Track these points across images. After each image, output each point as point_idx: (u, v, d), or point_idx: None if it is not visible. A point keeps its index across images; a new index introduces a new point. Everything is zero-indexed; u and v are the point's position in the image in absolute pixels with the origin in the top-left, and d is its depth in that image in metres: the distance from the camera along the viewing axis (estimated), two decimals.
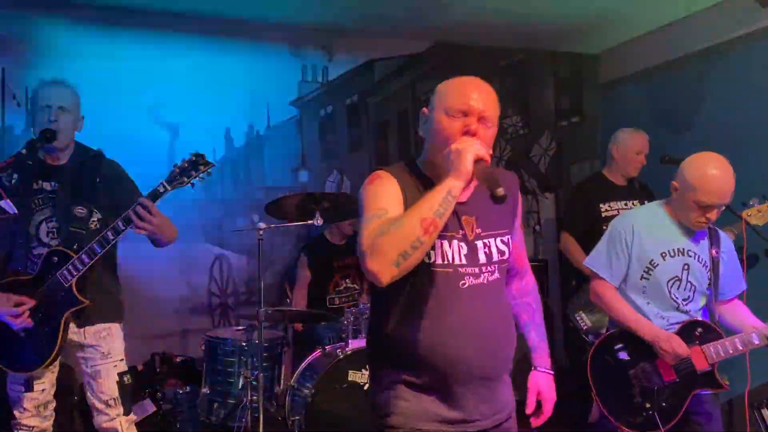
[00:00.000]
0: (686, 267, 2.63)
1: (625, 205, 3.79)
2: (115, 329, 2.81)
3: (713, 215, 2.54)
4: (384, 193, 1.71)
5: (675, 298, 2.63)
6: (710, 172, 2.50)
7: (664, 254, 2.62)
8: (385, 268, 1.53)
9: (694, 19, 4.64)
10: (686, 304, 2.64)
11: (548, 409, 1.99)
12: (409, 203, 1.68)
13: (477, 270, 1.75)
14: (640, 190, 3.89)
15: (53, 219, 2.71)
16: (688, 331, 2.60)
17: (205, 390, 3.69)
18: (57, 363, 2.76)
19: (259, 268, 3.44)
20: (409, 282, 1.70)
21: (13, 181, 2.73)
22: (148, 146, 4.28)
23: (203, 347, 3.76)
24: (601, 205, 3.79)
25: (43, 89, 2.73)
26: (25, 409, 2.70)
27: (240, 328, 3.71)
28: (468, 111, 1.70)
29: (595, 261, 2.76)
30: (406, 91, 5.39)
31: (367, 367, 1.92)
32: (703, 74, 4.65)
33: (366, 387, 3.21)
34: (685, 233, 2.66)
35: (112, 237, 2.59)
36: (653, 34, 4.97)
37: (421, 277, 1.71)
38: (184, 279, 4.67)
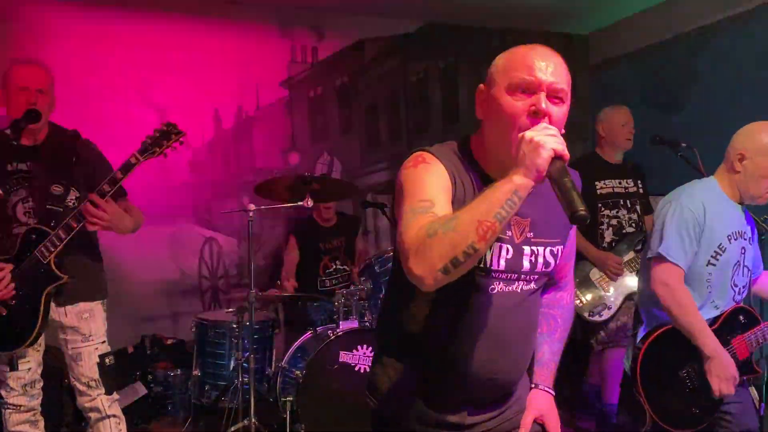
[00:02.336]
0: (743, 251, 2.42)
1: (619, 183, 3.80)
2: (97, 309, 2.80)
3: None
4: (429, 180, 1.46)
5: (735, 286, 2.43)
6: None
7: (730, 237, 2.37)
8: (430, 274, 1.32)
9: (685, 0, 4.63)
10: (743, 292, 2.46)
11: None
12: (458, 193, 1.48)
13: (514, 276, 1.56)
14: (633, 170, 3.89)
15: (29, 199, 2.70)
16: (732, 320, 2.42)
17: (196, 372, 3.70)
18: (42, 342, 2.76)
19: (249, 250, 3.43)
20: None
21: None
22: (135, 127, 4.21)
23: (194, 329, 3.76)
24: (596, 183, 3.79)
25: (20, 71, 2.71)
26: (11, 388, 2.71)
27: (231, 310, 3.71)
28: (534, 86, 1.43)
29: (668, 247, 2.35)
30: (397, 71, 5.35)
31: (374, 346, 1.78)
32: (693, 55, 4.64)
33: (356, 368, 3.22)
34: (739, 213, 2.42)
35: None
36: (644, 15, 4.94)
37: None
38: (174, 261, 4.66)
